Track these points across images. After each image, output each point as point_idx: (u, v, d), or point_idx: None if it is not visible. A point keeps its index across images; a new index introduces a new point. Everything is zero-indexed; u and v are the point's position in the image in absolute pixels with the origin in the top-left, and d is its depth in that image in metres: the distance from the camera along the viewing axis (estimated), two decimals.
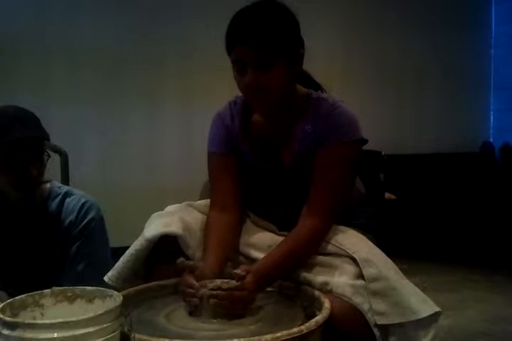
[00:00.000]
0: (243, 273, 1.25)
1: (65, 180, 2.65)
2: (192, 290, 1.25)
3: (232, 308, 1.23)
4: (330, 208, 1.45)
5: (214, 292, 1.22)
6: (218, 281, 1.25)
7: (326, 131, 1.45)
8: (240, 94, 1.50)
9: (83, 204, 1.71)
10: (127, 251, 1.50)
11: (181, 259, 1.30)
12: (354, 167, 1.50)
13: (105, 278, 1.50)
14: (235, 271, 1.26)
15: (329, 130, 1.45)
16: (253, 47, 1.35)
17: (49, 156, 1.64)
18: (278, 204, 1.58)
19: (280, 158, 1.54)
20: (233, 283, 1.24)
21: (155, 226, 1.48)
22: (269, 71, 1.37)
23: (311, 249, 1.43)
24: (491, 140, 5.16)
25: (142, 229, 1.54)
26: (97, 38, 3.93)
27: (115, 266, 1.51)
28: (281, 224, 1.56)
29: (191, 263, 1.32)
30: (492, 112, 5.23)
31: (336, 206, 1.46)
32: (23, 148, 1.54)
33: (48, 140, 1.61)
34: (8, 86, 3.62)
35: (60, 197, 1.72)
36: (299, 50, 1.45)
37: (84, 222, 1.69)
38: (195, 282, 1.25)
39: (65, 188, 1.76)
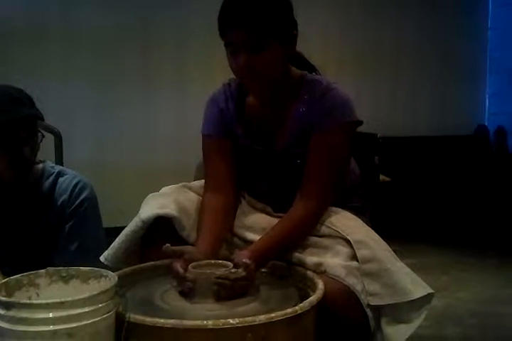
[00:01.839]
0: (249, 262, 1.25)
1: (59, 160, 2.64)
2: (179, 277, 1.25)
3: (233, 294, 1.24)
4: (325, 190, 1.45)
5: (220, 280, 1.22)
6: (225, 270, 1.25)
7: (320, 113, 1.45)
8: (234, 76, 1.49)
9: (76, 184, 1.70)
10: (123, 232, 1.51)
11: (167, 245, 1.29)
12: (349, 149, 1.50)
13: (101, 258, 1.51)
14: (243, 260, 1.25)
15: (323, 112, 1.44)
16: (245, 29, 1.35)
17: (43, 136, 1.63)
18: (273, 186, 1.58)
19: (274, 140, 1.54)
20: (240, 273, 1.23)
21: (150, 208, 1.48)
22: (262, 53, 1.37)
23: (306, 231, 1.44)
24: (486, 123, 5.17)
25: (136, 209, 1.54)
26: (94, 18, 3.90)
27: (111, 245, 1.52)
28: (276, 205, 1.57)
29: (178, 248, 1.32)
30: (487, 95, 5.22)
31: (330, 188, 1.47)
32: (17, 127, 1.53)
33: (42, 120, 1.60)
34: (4, 66, 3.58)
35: (52, 176, 1.72)
36: (292, 31, 1.44)
37: (78, 202, 1.69)
38: (180, 269, 1.25)
39: (57, 168, 1.76)
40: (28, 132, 1.56)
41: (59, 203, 1.68)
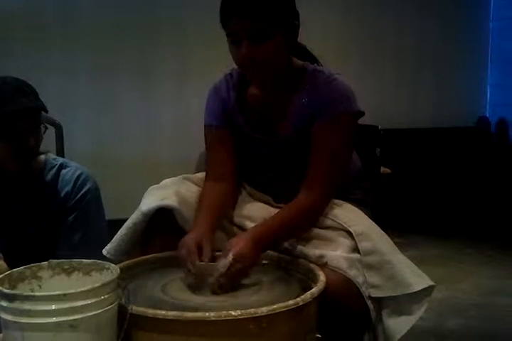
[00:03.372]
0: (230, 262, 1.24)
1: (60, 152, 2.63)
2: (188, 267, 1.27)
3: (234, 281, 1.25)
4: (329, 181, 1.45)
5: (221, 280, 1.23)
6: (220, 268, 1.25)
7: (322, 103, 1.45)
8: (236, 66, 1.49)
9: (79, 176, 1.71)
10: (124, 225, 1.51)
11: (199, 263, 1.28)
12: (351, 139, 1.49)
13: (103, 252, 1.51)
14: (228, 256, 1.25)
15: (325, 102, 1.44)
16: (247, 19, 1.35)
17: (46, 128, 1.64)
18: (274, 175, 1.58)
19: (275, 129, 1.54)
20: (228, 262, 1.23)
21: (151, 200, 1.48)
22: (264, 43, 1.37)
23: (310, 221, 1.43)
24: (487, 114, 5.16)
25: (137, 201, 1.54)
26: (95, 11, 3.89)
27: (113, 239, 1.52)
28: (277, 196, 1.57)
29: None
30: (489, 87, 5.21)
31: (334, 179, 1.46)
32: (23, 118, 1.54)
33: (46, 111, 1.61)
34: (4, 59, 3.57)
35: (55, 168, 1.72)
36: (294, 21, 1.44)
37: (80, 194, 1.70)
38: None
39: (60, 160, 1.76)
40: (33, 123, 1.58)
41: (62, 195, 1.69)
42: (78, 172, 1.72)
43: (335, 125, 1.44)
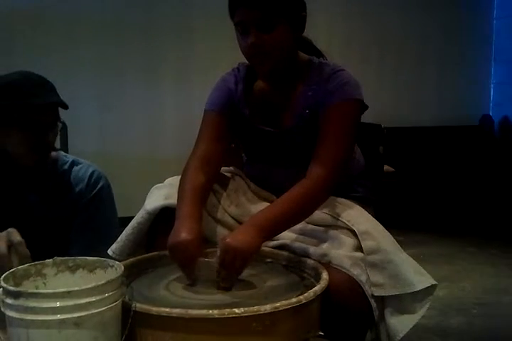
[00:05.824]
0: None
1: (64, 150, 2.65)
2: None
3: (235, 270, 1.25)
4: (334, 159, 1.42)
5: (222, 272, 1.24)
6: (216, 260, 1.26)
7: (327, 90, 1.46)
8: (241, 61, 1.52)
9: (92, 173, 1.72)
10: (129, 224, 1.51)
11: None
12: (356, 125, 1.48)
13: (109, 252, 1.51)
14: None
15: (331, 89, 1.46)
16: (255, 9, 1.38)
17: (63, 124, 1.65)
18: (278, 170, 1.59)
19: (280, 120, 1.55)
20: (221, 251, 1.24)
21: (155, 199, 1.49)
22: (272, 32, 1.40)
23: (315, 199, 1.40)
24: (491, 113, 5.14)
25: (141, 199, 1.55)
26: (97, 7, 3.88)
27: (118, 239, 1.53)
28: (283, 189, 1.56)
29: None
30: (492, 85, 5.19)
31: (340, 158, 1.43)
32: (46, 112, 1.56)
33: (67, 108, 1.60)
34: (6, 54, 3.58)
35: (67, 165, 1.73)
36: (301, 12, 1.47)
37: (95, 191, 1.70)
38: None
39: (71, 157, 1.78)
40: (53, 118, 1.59)
41: (75, 192, 1.69)
42: (91, 169, 1.73)
43: (340, 108, 1.44)
